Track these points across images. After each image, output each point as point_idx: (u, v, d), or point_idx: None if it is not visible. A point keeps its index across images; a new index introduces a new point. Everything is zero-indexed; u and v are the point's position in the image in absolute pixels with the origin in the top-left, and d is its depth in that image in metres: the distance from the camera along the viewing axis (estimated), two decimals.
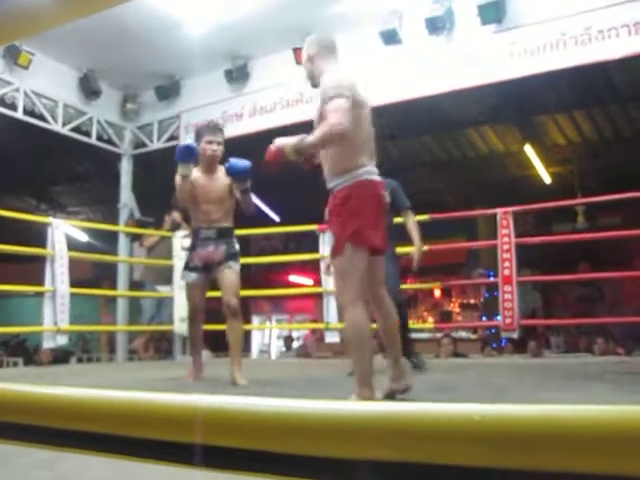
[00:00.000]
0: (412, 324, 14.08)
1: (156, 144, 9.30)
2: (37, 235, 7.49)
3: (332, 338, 7.93)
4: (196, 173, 4.73)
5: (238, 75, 8.21)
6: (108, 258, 9.79)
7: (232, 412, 0.90)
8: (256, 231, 9.70)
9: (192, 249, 4.85)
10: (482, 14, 6.57)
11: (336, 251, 3.18)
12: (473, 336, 12.39)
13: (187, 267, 4.85)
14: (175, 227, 8.35)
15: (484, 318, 12.46)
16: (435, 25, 6.82)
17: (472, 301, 15.64)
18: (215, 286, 4.86)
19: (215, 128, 5.04)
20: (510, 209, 6.85)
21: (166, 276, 8.12)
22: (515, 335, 6.92)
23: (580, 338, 11.51)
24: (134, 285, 9.01)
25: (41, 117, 8.20)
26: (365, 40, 7.32)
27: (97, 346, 14.95)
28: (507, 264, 6.74)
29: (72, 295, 7.23)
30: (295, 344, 14.18)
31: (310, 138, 3.12)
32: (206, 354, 9.11)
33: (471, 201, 12.40)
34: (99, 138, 9.06)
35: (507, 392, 3.88)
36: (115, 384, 4.57)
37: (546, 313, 13.58)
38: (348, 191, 3.16)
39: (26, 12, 1.19)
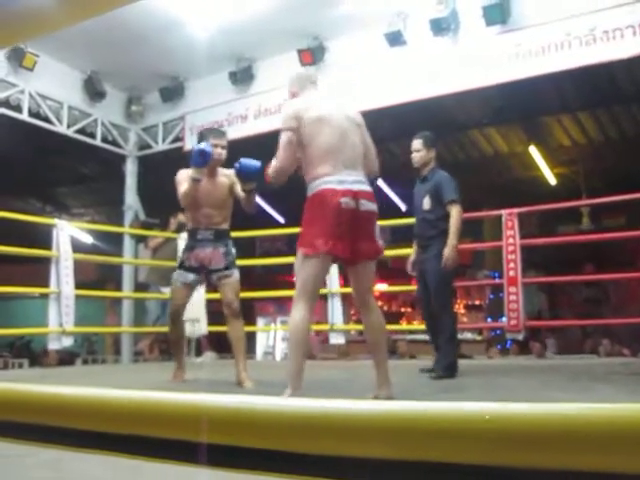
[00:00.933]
0: (416, 325, 14.06)
1: (161, 145, 9.32)
2: (42, 237, 7.51)
3: (337, 340, 7.91)
4: None
5: (243, 77, 8.22)
6: (113, 260, 9.81)
7: (236, 411, 0.90)
8: (261, 232, 9.71)
9: (189, 249, 4.80)
10: (487, 15, 6.55)
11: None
12: (478, 337, 12.36)
13: (182, 266, 4.80)
14: (180, 228, 8.35)
15: (489, 319, 12.43)
16: (440, 26, 6.81)
17: (477, 302, 15.62)
18: (216, 289, 4.86)
19: (219, 131, 5.05)
20: (515, 210, 6.83)
21: (171, 278, 8.12)
22: (520, 336, 6.91)
23: (584, 339, 11.50)
24: (139, 286, 9.02)
25: (46, 119, 8.22)
26: (370, 42, 7.32)
27: (102, 348, 14.99)
28: (512, 265, 6.73)
29: (77, 297, 7.24)
30: None
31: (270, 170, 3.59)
32: (211, 355, 9.14)
33: (476, 202, 12.37)
34: (104, 140, 9.07)
35: (513, 392, 3.88)
36: (121, 386, 4.56)
37: (552, 314, 13.55)
38: (307, 202, 3.38)
39: (31, 13, 1.19)
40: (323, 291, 7.69)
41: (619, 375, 4.70)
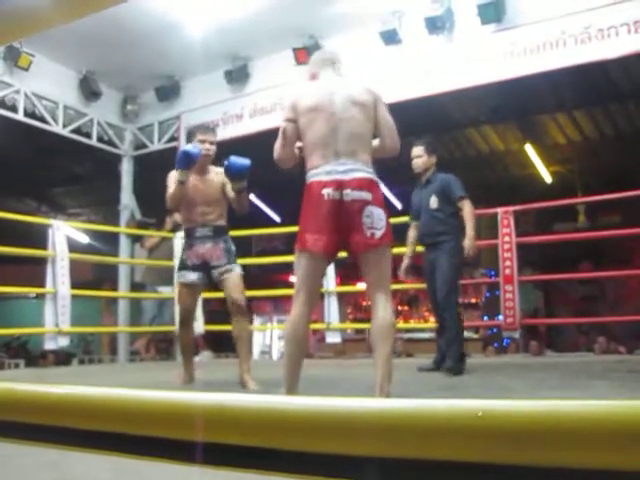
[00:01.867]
0: (413, 324, 14.06)
1: (157, 145, 9.31)
2: (38, 237, 7.50)
3: (333, 338, 7.92)
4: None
5: (238, 76, 8.21)
6: (109, 259, 9.79)
7: (233, 409, 0.90)
8: (257, 231, 9.70)
9: (188, 247, 4.69)
10: (482, 13, 6.57)
11: None
12: (475, 336, 12.37)
13: (184, 266, 4.67)
14: (176, 228, 8.35)
15: (485, 318, 12.44)
16: (435, 25, 6.82)
17: (473, 300, 15.62)
18: (215, 287, 4.83)
19: (206, 127, 5.02)
20: (511, 208, 6.85)
21: (167, 277, 8.12)
22: (517, 334, 6.93)
23: (580, 337, 11.53)
24: (135, 286, 9.02)
25: (42, 119, 8.21)
26: (365, 40, 7.33)
27: (99, 347, 14.96)
28: (508, 263, 6.75)
29: (73, 296, 7.24)
30: None
31: None
32: (208, 355, 9.13)
33: (472, 200, 12.39)
34: (99, 139, 9.07)
35: (510, 390, 3.88)
36: (119, 386, 4.55)
37: (548, 312, 13.57)
38: (303, 195, 3.30)
39: (23, 11, 1.19)
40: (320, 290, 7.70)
41: (616, 372, 4.71)
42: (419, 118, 7.67)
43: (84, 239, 12.67)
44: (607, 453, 0.66)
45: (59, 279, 7.05)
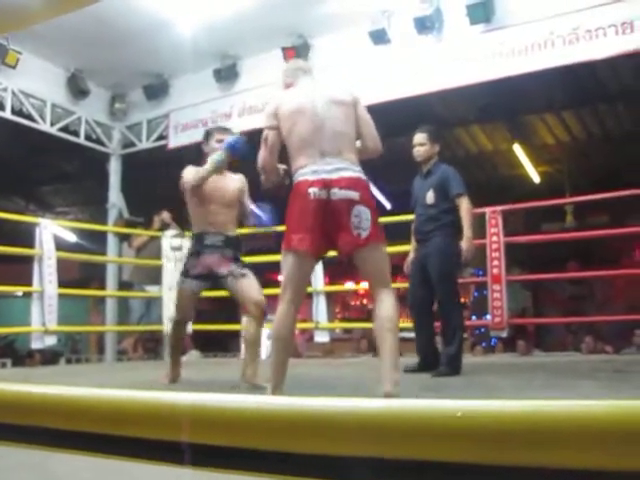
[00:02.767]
0: (402, 323, 14.06)
1: (145, 144, 9.27)
2: (25, 235, 7.46)
3: (321, 338, 7.92)
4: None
5: (227, 74, 8.19)
6: (97, 258, 9.76)
7: (216, 409, 0.90)
8: (246, 231, 9.69)
9: (195, 255, 4.54)
10: (471, 14, 6.58)
11: None
12: (463, 335, 12.38)
13: (187, 274, 4.55)
14: (164, 227, 8.34)
15: (474, 317, 12.47)
16: (424, 25, 6.83)
17: (462, 300, 15.65)
18: (215, 286, 4.74)
19: (225, 128, 4.96)
20: (499, 208, 6.87)
21: (155, 276, 8.11)
22: (504, 334, 6.95)
23: (568, 336, 11.57)
24: (123, 285, 8.99)
25: (29, 117, 8.16)
26: (354, 40, 7.33)
27: (86, 347, 14.92)
28: (496, 263, 6.76)
29: (60, 295, 7.20)
30: None
31: None
32: (195, 354, 9.12)
33: None
34: (87, 138, 9.02)
35: (496, 390, 3.89)
36: (106, 386, 4.53)
37: (536, 312, 13.61)
38: (290, 196, 3.30)
39: (9, 7, 1.18)
40: (308, 289, 7.70)
41: (602, 372, 4.73)
42: (408, 118, 7.66)
43: (72, 238, 12.61)
44: (586, 453, 0.67)
45: (46, 278, 7.02)
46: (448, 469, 0.72)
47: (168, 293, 7.86)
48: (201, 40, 7.37)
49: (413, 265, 5.22)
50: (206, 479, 1.05)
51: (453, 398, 0.76)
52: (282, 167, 3.61)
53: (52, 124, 8.45)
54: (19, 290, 8.77)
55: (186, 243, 7.97)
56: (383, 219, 7.40)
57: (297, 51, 7.54)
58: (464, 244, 4.96)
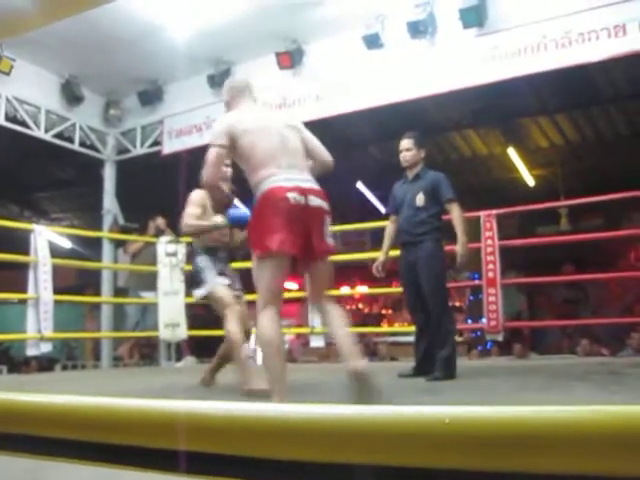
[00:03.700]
0: (397, 328, 14.05)
1: (139, 150, 9.26)
2: (20, 242, 7.44)
3: (317, 342, 7.91)
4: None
5: (221, 80, 8.16)
6: (92, 265, 9.75)
7: (211, 417, 0.90)
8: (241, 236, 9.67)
9: (212, 261, 4.67)
10: (464, 18, 6.60)
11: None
12: (459, 339, 12.39)
13: (214, 273, 4.63)
14: (159, 233, 8.34)
15: (469, 321, 12.48)
16: (417, 29, 6.85)
17: (457, 304, 15.66)
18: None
19: None
20: (494, 212, 6.88)
21: (150, 282, 8.10)
22: (500, 337, 6.95)
23: (563, 340, 11.58)
24: (118, 291, 8.98)
25: (23, 123, 8.16)
26: (348, 44, 7.35)
27: (82, 353, 14.88)
28: (491, 266, 6.77)
29: (56, 302, 7.20)
30: None
31: None
32: (192, 360, 9.10)
33: None
34: (82, 144, 9.02)
35: (491, 393, 3.89)
36: (102, 393, 4.51)
37: (531, 315, 13.63)
38: (256, 203, 3.31)
39: (5, 14, 1.18)
40: (304, 294, 7.69)
41: (597, 375, 4.73)
42: (401, 122, 7.67)
43: (67, 244, 12.58)
44: (574, 458, 0.67)
45: (41, 284, 7.01)
46: (437, 476, 0.72)
47: (163, 299, 7.86)
48: (195, 46, 7.38)
49: (403, 269, 5.21)
50: None
51: (449, 401, 0.76)
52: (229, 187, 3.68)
53: (46, 130, 8.45)
54: (14, 297, 8.75)
55: (181, 249, 7.98)
56: (378, 223, 7.41)
57: (291, 56, 7.56)
58: (460, 249, 4.97)
